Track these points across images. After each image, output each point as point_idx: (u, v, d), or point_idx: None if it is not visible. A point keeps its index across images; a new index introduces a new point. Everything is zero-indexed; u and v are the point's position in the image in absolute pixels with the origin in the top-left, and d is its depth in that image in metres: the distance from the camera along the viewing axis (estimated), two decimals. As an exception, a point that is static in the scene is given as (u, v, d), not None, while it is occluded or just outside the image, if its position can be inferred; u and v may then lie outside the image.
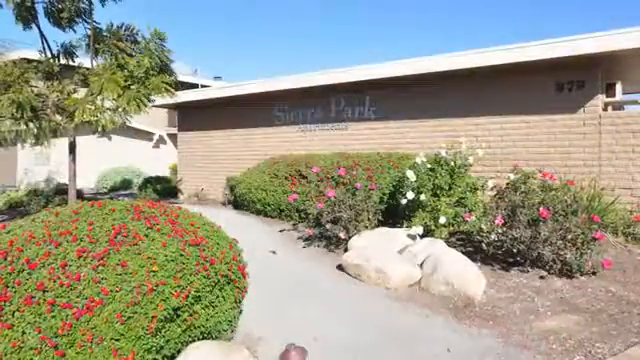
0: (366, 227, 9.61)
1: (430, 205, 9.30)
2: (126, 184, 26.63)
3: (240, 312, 5.38)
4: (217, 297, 4.80)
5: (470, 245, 9.06)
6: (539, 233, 7.54)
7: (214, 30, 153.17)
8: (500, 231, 7.91)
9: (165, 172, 26.45)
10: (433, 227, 9.19)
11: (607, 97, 11.26)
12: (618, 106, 12.47)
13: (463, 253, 7.96)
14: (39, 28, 12.67)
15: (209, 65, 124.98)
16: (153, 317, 3.96)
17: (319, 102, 15.39)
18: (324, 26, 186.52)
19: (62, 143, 14.57)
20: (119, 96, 11.54)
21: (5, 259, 4.16)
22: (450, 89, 12.65)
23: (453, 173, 9.39)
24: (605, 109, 11.08)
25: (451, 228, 9.42)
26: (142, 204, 5.32)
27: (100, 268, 4.10)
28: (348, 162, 11.98)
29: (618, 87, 11.74)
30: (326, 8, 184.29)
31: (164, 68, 12.69)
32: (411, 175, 9.39)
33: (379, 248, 8.27)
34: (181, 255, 4.47)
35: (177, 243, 4.60)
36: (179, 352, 4.26)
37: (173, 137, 29.48)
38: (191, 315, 4.39)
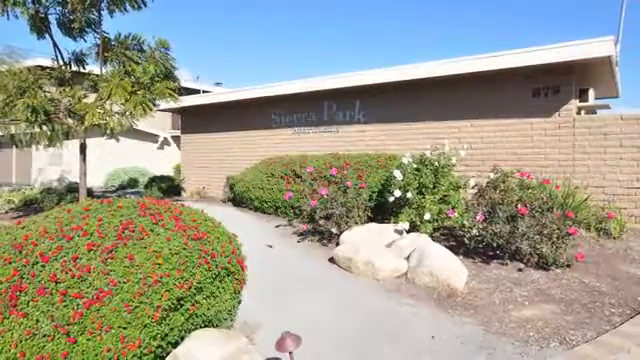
0: (356, 223, 9.62)
1: (416, 202, 9.32)
2: (133, 183, 26.59)
3: (239, 302, 5.38)
4: (218, 288, 4.80)
5: (453, 239, 9.09)
6: (517, 228, 7.57)
7: (215, 39, 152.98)
8: (481, 226, 7.93)
9: (169, 172, 26.39)
10: (419, 223, 9.21)
11: (580, 102, 11.30)
12: (591, 110, 12.50)
13: (446, 247, 7.97)
14: (52, 37, 12.69)
15: (210, 72, 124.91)
16: (158, 307, 3.96)
17: (313, 107, 15.44)
18: (322, 32, 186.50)
19: (73, 144, 14.61)
20: (126, 101, 11.57)
21: (20, 252, 4.16)
22: (434, 94, 12.69)
23: (437, 172, 9.41)
24: (579, 113, 11.12)
25: (435, 224, 9.43)
26: (148, 201, 5.31)
27: (109, 261, 4.10)
28: (339, 162, 12.01)
29: (591, 92, 11.76)
30: (326, 14, 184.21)
31: (168, 75, 12.71)
32: (398, 174, 9.42)
33: (368, 242, 8.29)
34: (184, 249, 4.47)
35: (180, 238, 4.60)
36: (182, 339, 4.26)
37: (177, 139, 29.45)
38: (193, 305, 4.39)
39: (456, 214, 8.77)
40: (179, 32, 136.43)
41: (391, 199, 9.52)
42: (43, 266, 4.01)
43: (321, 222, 9.76)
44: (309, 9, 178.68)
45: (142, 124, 21.32)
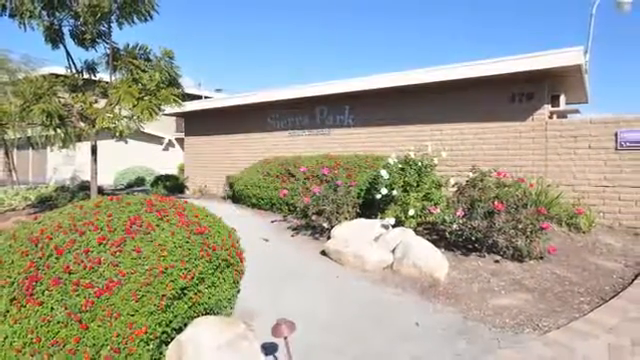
0: (346, 218, 9.62)
1: (401, 199, 9.34)
2: (140, 181, 26.51)
3: (238, 291, 5.39)
4: (218, 278, 4.80)
5: (435, 234, 9.10)
6: (494, 223, 7.61)
7: (216, 48, 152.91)
8: (461, 222, 7.96)
9: (173, 171, 26.31)
10: (403, 218, 9.23)
11: (553, 107, 11.34)
12: (562, 115, 12.54)
13: (429, 241, 7.98)
14: (65, 48, 12.68)
15: (211, 79, 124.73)
16: (163, 296, 3.96)
17: (306, 111, 15.46)
18: (320, 38, 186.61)
19: (85, 146, 14.58)
20: (134, 106, 11.57)
21: (36, 245, 4.16)
22: (419, 99, 12.74)
23: (420, 172, 9.44)
24: (551, 117, 11.16)
25: (419, 219, 9.46)
26: (154, 198, 5.31)
27: (118, 253, 4.10)
28: (331, 163, 12.02)
29: (562, 98, 11.82)
30: (323, 20, 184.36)
31: (173, 82, 12.71)
32: (384, 174, 9.45)
33: (357, 236, 8.30)
34: (187, 242, 4.47)
35: (184, 232, 4.60)
36: (186, 325, 4.27)
37: (180, 141, 29.48)
38: (196, 294, 4.40)
39: (438, 210, 8.79)
40: (182, 40, 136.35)
41: (378, 196, 9.55)
42: (57, 258, 4.01)
43: (313, 218, 9.77)
44: (307, 17, 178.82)
45: (148, 127, 21.30)
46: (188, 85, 25.77)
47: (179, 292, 4.17)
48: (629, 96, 70.85)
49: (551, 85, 11.08)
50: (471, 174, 8.73)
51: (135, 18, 12.14)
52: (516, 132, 11.11)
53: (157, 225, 4.61)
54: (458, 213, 7.98)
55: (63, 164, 27.88)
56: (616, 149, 9.90)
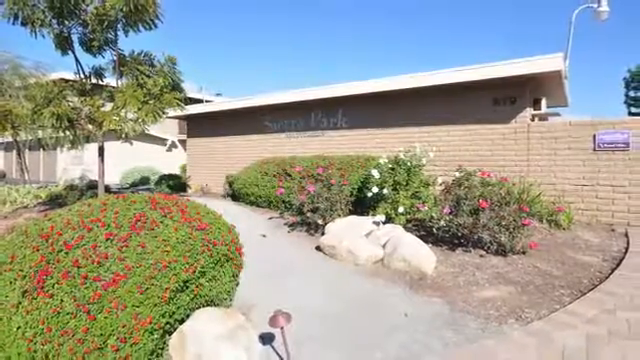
0: (339, 215, 9.64)
1: (391, 197, 9.36)
2: (144, 180, 26.50)
3: (237, 284, 5.39)
4: (218, 272, 4.81)
5: (423, 230, 9.12)
6: (479, 220, 7.62)
7: (216, 53, 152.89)
8: (447, 218, 7.98)
9: (176, 171, 26.32)
10: (393, 215, 9.25)
11: (534, 110, 11.40)
12: (543, 117, 12.59)
13: (418, 236, 7.99)
14: (74, 54, 12.65)
15: (211, 83, 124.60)
16: (166, 288, 3.97)
17: (302, 114, 15.51)
18: (316, 44, 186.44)
19: (93, 147, 14.55)
20: (139, 109, 11.57)
21: (47, 241, 4.17)
22: (408, 103, 12.79)
23: (410, 172, 9.46)
24: (533, 120, 11.21)
25: (408, 216, 9.47)
26: (158, 197, 5.31)
27: (124, 248, 4.10)
28: (325, 163, 12.02)
29: (543, 102, 11.86)
30: (320, 30, 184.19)
31: (175, 86, 12.71)
32: (376, 173, 9.48)
33: (350, 232, 8.30)
34: (189, 238, 4.48)
35: (186, 228, 4.61)
36: (188, 316, 4.29)
37: (183, 142, 29.47)
38: (197, 287, 4.41)
39: (426, 208, 8.82)
40: (183, 44, 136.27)
41: (369, 194, 9.58)
42: (67, 253, 4.02)
43: (308, 215, 9.76)
44: (306, 20, 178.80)
45: (153, 129, 21.31)
46: (190, 89, 25.85)
47: (182, 285, 4.18)
48: (606, 99, 71.30)
49: (533, 89, 11.13)
50: (457, 174, 8.75)
51: (140, 26, 12.13)
52: (500, 134, 11.15)
53: (161, 222, 4.62)
54: (445, 210, 7.99)
55: (72, 164, 27.89)
56: (594, 150, 9.96)
